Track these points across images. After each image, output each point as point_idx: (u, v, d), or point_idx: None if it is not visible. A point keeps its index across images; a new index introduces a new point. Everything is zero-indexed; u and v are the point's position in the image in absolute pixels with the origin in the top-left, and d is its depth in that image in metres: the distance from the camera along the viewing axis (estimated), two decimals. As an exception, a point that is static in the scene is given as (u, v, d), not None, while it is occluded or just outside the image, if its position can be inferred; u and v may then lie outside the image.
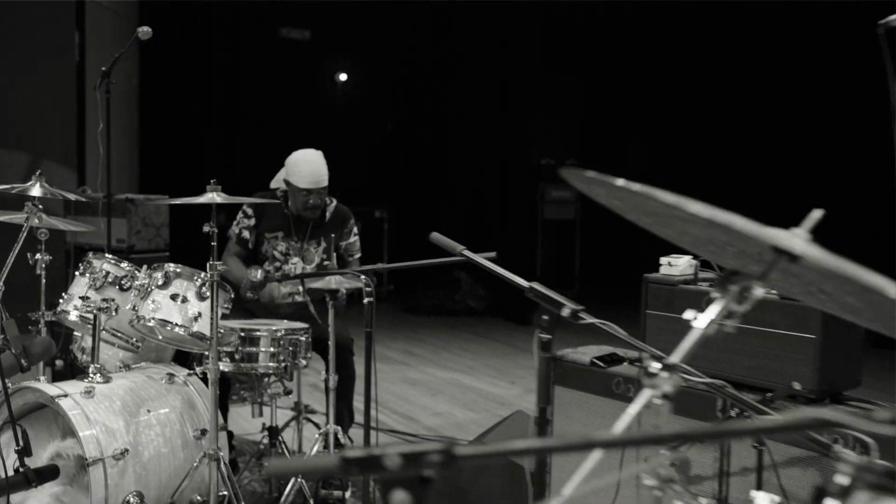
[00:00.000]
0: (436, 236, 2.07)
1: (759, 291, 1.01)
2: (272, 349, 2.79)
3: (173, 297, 2.59)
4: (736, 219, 0.90)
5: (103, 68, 3.30)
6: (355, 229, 3.34)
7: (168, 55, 7.06)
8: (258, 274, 2.87)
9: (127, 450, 2.39)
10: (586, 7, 8.30)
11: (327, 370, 2.84)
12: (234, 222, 3.21)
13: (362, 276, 2.62)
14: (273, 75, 8.56)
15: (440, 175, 8.90)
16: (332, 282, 2.75)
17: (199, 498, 2.60)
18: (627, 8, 8.28)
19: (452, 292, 7.05)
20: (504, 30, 8.35)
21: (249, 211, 3.17)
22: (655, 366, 1.00)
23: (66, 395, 2.37)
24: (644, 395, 0.99)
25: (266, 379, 2.93)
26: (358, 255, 3.36)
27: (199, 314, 2.56)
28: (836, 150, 6.89)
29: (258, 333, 2.80)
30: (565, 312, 1.57)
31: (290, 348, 2.81)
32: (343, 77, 9.44)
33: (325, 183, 3.12)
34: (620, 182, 0.94)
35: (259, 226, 3.18)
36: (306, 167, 3.08)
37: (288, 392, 3.12)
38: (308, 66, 8.97)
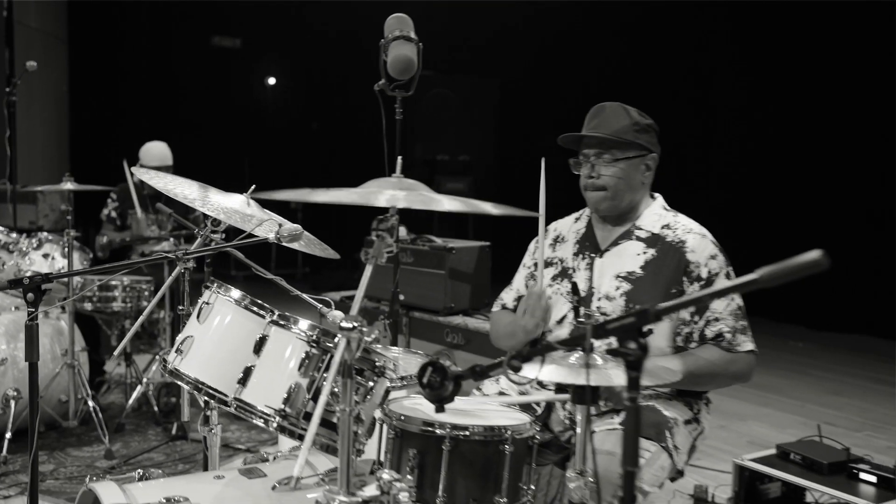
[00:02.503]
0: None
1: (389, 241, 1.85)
2: (121, 293, 3.93)
3: (44, 255, 3.74)
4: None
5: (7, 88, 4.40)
6: None
7: (99, 65, 8.16)
8: (102, 239, 4.02)
9: (6, 359, 3.54)
10: (502, 10, 9.38)
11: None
12: (104, 206, 4.36)
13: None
14: (207, 81, 9.64)
15: (348, 168, 10.05)
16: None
17: (63, 397, 3.74)
18: (544, 12, 9.36)
19: (353, 271, 8.17)
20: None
21: (114, 196, 4.32)
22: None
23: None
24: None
25: (120, 317, 4.08)
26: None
27: (62, 267, 3.69)
28: (745, 143, 7.93)
29: (112, 283, 3.95)
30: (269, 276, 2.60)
31: (135, 294, 3.95)
32: (272, 81, 10.56)
33: (170, 163, 4.26)
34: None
35: (122, 206, 4.32)
36: (154, 151, 4.23)
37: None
38: (239, 72, 10.08)
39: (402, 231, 3.79)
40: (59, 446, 3.64)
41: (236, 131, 9.62)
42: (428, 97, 11.21)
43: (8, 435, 3.44)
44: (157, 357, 4.02)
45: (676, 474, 2.00)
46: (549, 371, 1.49)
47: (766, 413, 4.45)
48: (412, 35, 2.46)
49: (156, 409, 3.97)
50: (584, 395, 1.50)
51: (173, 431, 3.68)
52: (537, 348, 1.33)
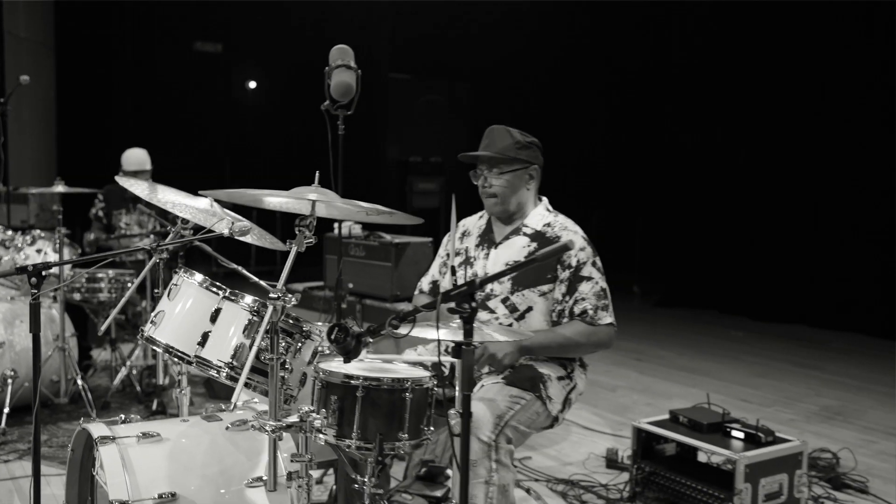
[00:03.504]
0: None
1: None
2: (106, 285, 4.42)
3: (37, 251, 4.22)
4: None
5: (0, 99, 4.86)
6: None
7: (86, 72, 8.61)
8: (90, 236, 4.51)
9: (3, 342, 4.02)
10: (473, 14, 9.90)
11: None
12: (92, 206, 4.84)
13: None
14: (190, 85, 10.09)
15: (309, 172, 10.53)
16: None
17: (55, 377, 4.23)
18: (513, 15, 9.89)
19: (313, 266, 8.67)
20: (385, 42, 10.07)
21: (101, 197, 4.80)
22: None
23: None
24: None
25: (106, 306, 4.57)
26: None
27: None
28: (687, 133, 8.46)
29: (98, 275, 4.43)
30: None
31: (119, 285, 4.44)
32: (252, 84, 11.03)
33: (148, 168, 4.75)
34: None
35: (108, 206, 4.80)
36: (132, 157, 4.72)
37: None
38: (221, 76, 10.54)
39: (357, 229, 4.31)
40: (52, 420, 4.13)
41: (218, 133, 10.09)
42: (419, 103, 11.78)
43: (6, 409, 3.92)
44: (139, 339, 4.52)
45: (552, 421, 2.52)
46: (429, 331, 2.00)
47: (692, 392, 4.98)
48: (352, 64, 2.97)
49: (138, 389, 4.47)
50: (457, 350, 2.01)
51: (153, 408, 4.17)
52: (411, 313, 1.84)
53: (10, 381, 4.02)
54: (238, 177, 9.20)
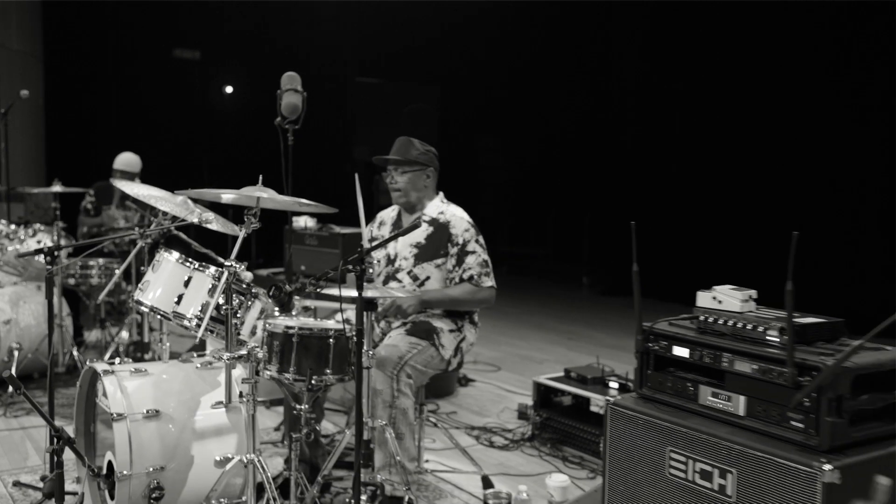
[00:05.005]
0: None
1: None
2: (97, 272, 5.21)
3: (37, 242, 5.00)
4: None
5: (2, 110, 5.62)
6: None
7: (72, 80, 9.35)
8: (83, 228, 5.29)
9: (11, 319, 4.80)
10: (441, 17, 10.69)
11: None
12: (83, 200, 5.63)
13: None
14: (169, 90, 10.83)
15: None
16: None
17: (53, 350, 5.01)
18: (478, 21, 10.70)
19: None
20: (353, 48, 10.88)
21: (91, 192, 5.59)
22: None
23: (-23, 291, 4.77)
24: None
25: (96, 290, 5.35)
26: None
27: (52, 250, 4.95)
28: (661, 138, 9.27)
29: (90, 263, 5.22)
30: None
31: (109, 272, 5.22)
32: (229, 89, 11.80)
33: (136, 170, 5.53)
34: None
35: (97, 201, 5.59)
36: (122, 159, 5.50)
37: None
38: (199, 81, 11.31)
39: (312, 222, 5.13)
40: (52, 386, 4.91)
41: (196, 135, 10.85)
42: (408, 111, 12.65)
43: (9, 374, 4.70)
44: (125, 320, 5.31)
45: (446, 364, 3.34)
46: (346, 291, 2.82)
47: (612, 363, 5.82)
48: (299, 88, 3.77)
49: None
50: (365, 304, 2.83)
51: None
52: (322, 275, 2.65)
53: (15, 352, 4.80)
54: (216, 177, 9.97)
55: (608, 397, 2.31)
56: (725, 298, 2.14)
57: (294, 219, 5.49)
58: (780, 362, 1.89)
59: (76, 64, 9.33)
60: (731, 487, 1.93)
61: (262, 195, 2.80)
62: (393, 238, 2.91)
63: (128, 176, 5.72)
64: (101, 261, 5.27)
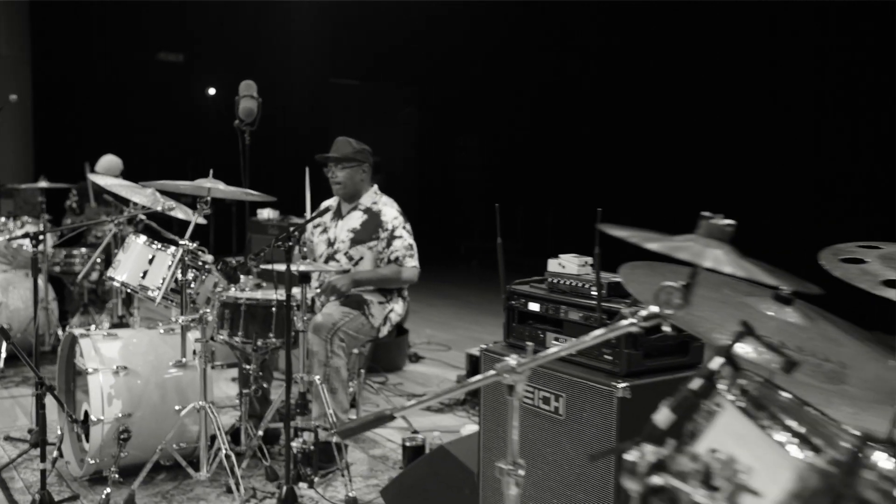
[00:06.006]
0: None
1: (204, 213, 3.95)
2: (80, 260, 5.79)
3: (24, 234, 5.58)
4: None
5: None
6: None
7: (59, 82, 9.94)
8: (67, 220, 5.87)
9: (0, 303, 5.39)
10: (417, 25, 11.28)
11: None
12: (67, 199, 6.21)
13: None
14: (154, 92, 11.40)
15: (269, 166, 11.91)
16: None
17: (40, 331, 5.58)
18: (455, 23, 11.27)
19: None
20: (330, 50, 11.49)
21: (74, 191, 6.17)
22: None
23: (-29, 276, 5.36)
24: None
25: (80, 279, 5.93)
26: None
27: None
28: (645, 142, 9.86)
29: (73, 252, 5.80)
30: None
31: (89, 260, 5.80)
32: (212, 91, 12.38)
33: (117, 172, 6.12)
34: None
35: (80, 199, 6.17)
36: (103, 163, 6.08)
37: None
38: (183, 83, 11.88)
39: (275, 214, 5.75)
40: (39, 364, 5.48)
41: (180, 136, 11.42)
42: (403, 115, 13.26)
43: (3, 355, 5.28)
44: (107, 306, 5.90)
45: (376, 332, 3.94)
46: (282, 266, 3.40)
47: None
48: (255, 94, 4.37)
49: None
50: (300, 278, 3.42)
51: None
52: (259, 251, 3.24)
53: (5, 332, 5.38)
54: (199, 175, 10.54)
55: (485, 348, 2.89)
56: (567, 264, 2.74)
57: (258, 211, 6.10)
58: (594, 309, 2.49)
59: (63, 67, 9.91)
60: (563, 408, 2.52)
61: (211, 185, 3.39)
62: (308, 222, 3.48)
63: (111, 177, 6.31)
64: (83, 250, 5.86)
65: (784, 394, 1.17)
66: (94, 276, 5.92)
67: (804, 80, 7.67)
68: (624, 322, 1.31)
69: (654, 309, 1.25)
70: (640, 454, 1.02)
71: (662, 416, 1.17)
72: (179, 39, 11.67)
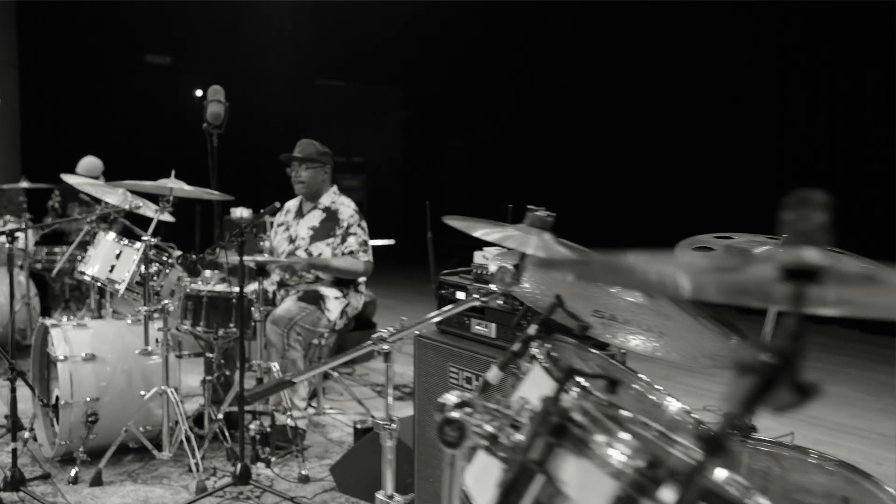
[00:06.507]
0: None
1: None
2: (60, 258, 6.05)
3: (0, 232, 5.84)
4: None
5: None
6: None
7: (46, 85, 10.19)
8: (48, 219, 6.13)
9: (-15, 297, 5.65)
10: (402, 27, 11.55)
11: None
12: (49, 199, 6.47)
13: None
14: (141, 94, 11.66)
15: (256, 167, 12.18)
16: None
17: (22, 326, 5.85)
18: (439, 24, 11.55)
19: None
20: (316, 52, 11.75)
21: (56, 192, 6.43)
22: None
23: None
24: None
25: (61, 274, 6.19)
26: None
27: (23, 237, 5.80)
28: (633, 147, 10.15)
29: (55, 250, 6.06)
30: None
31: (71, 258, 6.06)
32: (199, 93, 12.63)
33: (97, 174, 6.37)
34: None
35: (63, 200, 6.43)
36: (84, 164, 6.34)
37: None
38: (170, 85, 12.14)
39: (247, 212, 6.01)
40: (20, 356, 5.73)
41: (166, 137, 11.67)
42: (398, 118, 13.53)
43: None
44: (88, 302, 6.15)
45: (332, 325, 4.20)
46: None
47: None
48: (222, 99, 4.63)
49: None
50: (257, 272, 3.68)
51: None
52: (214, 245, 3.51)
53: (-13, 327, 5.65)
54: (185, 178, 10.80)
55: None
56: (491, 256, 3.01)
57: (231, 210, 6.37)
58: (509, 297, 2.76)
59: (51, 69, 10.17)
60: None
61: (173, 185, 3.66)
62: (260, 217, 3.76)
63: (90, 178, 6.57)
64: (64, 248, 6.11)
65: (591, 355, 1.44)
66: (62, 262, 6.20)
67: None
68: (471, 298, 1.57)
69: (493, 287, 1.51)
70: (450, 396, 1.28)
71: (493, 373, 1.43)
72: (167, 42, 11.92)
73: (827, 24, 7.39)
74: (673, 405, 1.41)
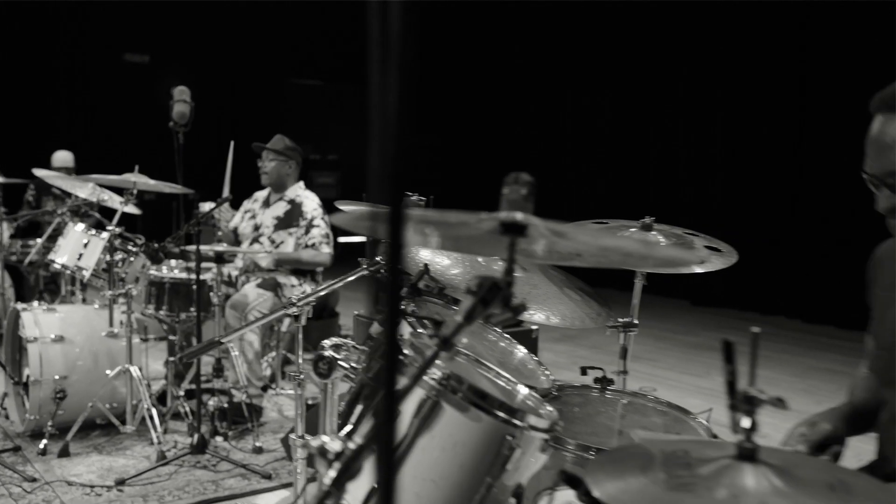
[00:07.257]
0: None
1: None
2: (34, 250, 6.34)
3: (-15, 224, 6.13)
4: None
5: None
6: None
7: (24, 83, 10.45)
8: (24, 211, 6.42)
9: (-39, 288, 5.94)
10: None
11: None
12: (25, 192, 6.75)
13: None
14: (120, 92, 11.91)
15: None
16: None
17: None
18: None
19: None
20: (290, 51, 12.07)
21: (32, 186, 6.71)
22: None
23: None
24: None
25: (35, 266, 6.48)
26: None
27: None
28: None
29: (30, 243, 6.35)
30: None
31: (45, 250, 6.35)
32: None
33: (71, 165, 6.67)
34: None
35: (37, 193, 6.71)
36: (57, 157, 6.64)
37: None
38: (148, 85, 12.39)
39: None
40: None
41: (143, 134, 11.94)
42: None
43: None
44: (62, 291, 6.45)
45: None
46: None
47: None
48: (188, 99, 4.95)
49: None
50: (216, 258, 4.01)
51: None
52: (178, 234, 3.83)
53: (-36, 315, 5.94)
54: (164, 176, 11.08)
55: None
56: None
57: (200, 204, 6.67)
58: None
59: (28, 67, 10.43)
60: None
61: (136, 179, 3.98)
62: (217, 206, 4.07)
63: (63, 171, 6.86)
64: (38, 241, 6.40)
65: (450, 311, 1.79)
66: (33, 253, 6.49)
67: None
68: (358, 270, 1.91)
69: (378, 258, 1.85)
70: (327, 341, 1.63)
71: (374, 327, 1.78)
72: (145, 40, 12.19)
73: (811, 24, 7.75)
74: (519, 353, 1.76)
